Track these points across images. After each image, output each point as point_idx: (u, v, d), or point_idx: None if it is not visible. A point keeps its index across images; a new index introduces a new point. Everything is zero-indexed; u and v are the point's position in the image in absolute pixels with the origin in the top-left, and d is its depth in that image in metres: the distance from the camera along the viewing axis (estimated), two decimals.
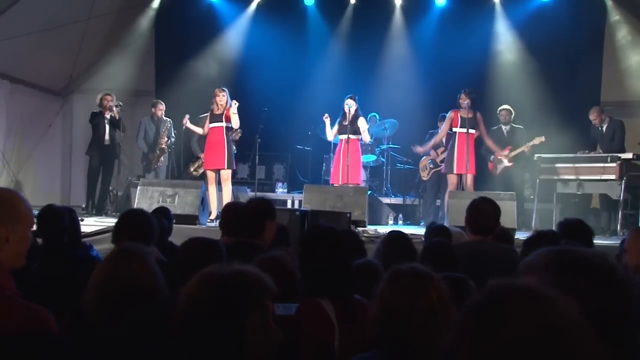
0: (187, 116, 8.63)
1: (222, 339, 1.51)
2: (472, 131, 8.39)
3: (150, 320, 1.94)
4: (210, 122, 8.29)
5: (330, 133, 8.68)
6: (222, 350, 1.52)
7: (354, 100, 8.45)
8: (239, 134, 8.82)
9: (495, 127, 9.07)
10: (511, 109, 9.01)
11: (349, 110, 8.42)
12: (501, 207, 6.69)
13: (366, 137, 8.66)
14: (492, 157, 8.90)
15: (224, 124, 8.20)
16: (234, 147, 8.55)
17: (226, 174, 8.17)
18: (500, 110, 9.03)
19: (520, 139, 8.81)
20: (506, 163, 8.81)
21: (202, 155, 9.23)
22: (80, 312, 1.96)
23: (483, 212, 3.87)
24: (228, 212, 4.16)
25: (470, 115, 8.34)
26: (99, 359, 1.91)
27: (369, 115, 10.00)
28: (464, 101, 8.34)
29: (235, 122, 8.19)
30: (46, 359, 1.50)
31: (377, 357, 2.02)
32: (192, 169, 9.46)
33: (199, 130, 8.63)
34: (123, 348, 1.89)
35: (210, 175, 8.26)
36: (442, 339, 1.77)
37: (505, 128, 9.02)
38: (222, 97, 8.21)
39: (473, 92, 8.39)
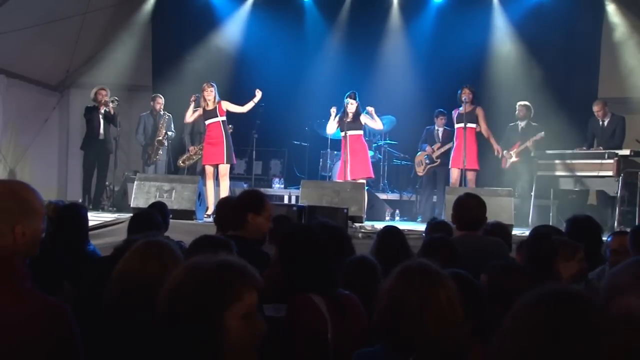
0: (194, 96, 8.48)
1: (205, 328, 1.52)
2: (471, 125, 8.39)
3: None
4: (206, 119, 8.29)
5: (330, 127, 8.65)
6: (205, 339, 1.52)
7: (355, 98, 8.43)
8: (231, 129, 8.83)
9: (512, 124, 9.05)
10: (529, 106, 8.92)
11: (350, 108, 8.41)
12: (498, 203, 6.99)
13: (374, 126, 8.61)
14: (505, 152, 8.88)
15: (219, 118, 8.20)
16: None
17: (224, 169, 8.18)
18: (518, 105, 8.98)
19: (531, 135, 8.81)
20: (514, 158, 8.82)
21: (191, 148, 9.38)
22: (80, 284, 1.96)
23: (468, 208, 3.90)
24: (221, 207, 4.15)
25: (468, 110, 8.33)
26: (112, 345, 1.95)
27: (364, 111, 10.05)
28: (463, 96, 8.35)
29: (238, 108, 8.24)
30: None
31: (382, 352, 2.02)
32: (180, 161, 9.46)
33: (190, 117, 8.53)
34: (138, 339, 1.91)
35: (209, 170, 8.26)
36: (449, 336, 1.79)
37: (520, 124, 8.98)
38: (210, 92, 8.20)
39: (473, 87, 8.43)
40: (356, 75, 10.48)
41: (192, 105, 8.31)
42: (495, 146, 8.79)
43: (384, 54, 11.14)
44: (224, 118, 8.24)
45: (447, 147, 9.20)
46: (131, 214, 5.31)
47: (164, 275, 2.04)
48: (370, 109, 8.46)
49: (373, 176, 8.83)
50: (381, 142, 10.51)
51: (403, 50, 11.07)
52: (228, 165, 8.24)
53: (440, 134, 9.50)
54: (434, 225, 4.52)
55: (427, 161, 9.60)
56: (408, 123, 10.35)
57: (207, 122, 8.28)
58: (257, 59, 10.98)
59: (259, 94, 8.19)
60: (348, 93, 8.49)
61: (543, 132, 8.47)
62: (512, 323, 1.17)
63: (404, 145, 10.57)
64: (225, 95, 8.76)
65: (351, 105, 8.40)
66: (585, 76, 10.08)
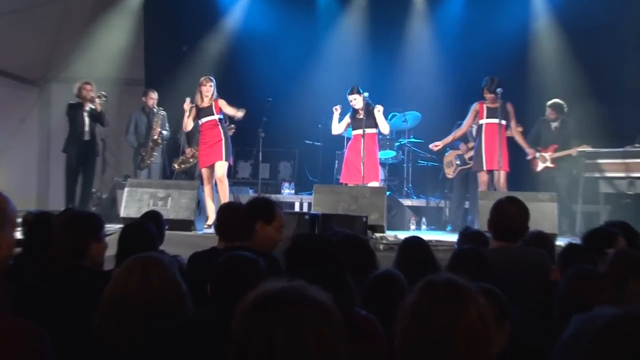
0: (188, 99, 8.55)
1: None
2: (503, 122, 8.37)
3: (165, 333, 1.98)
4: (200, 118, 8.27)
5: (336, 127, 8.67)
6: None
7: (358, 92, 8.42)
8: (233, 129, 8.85)
9: (543, 117, 9.04)
10: (560, 104, 8.92)
11: (357, 104, 8.43)
12: (540, 210, 6.97)
13: (385, 128, 8.61)
14: (537, 153, 8.86)
15: (216, 116, 8.21)
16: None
17: (221, 169, 8.13)
18: (548, 107, 8.95)
19: (570, 135, 8.75)
20: (549, 163, 8.80)
21: (188, 150, 9.42)
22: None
23: (507, 214, 3.84)
24: (223, 213, 4.17)
25: (499, 105, 8.33)
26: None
27: (390, 114, 10.00)
28: (491, 88, 8.32)
29: (233, 112, 8.20)
30: None
31: None
32: (176, 164, 9.50)
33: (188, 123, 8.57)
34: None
35: (207, 174, 8.25)
36: (480, 357, 1.79)
37: (554, 123, 8.96)
38: (209, 88, 8.20)
39: (499, 80, 8.37)
40: (376, 65, 10.49)
41: (187, 112, 8.29)
42: (529, 149, 8.74)
43: (408, 42, 11.17)
44: (222, 116, 8.26)
45: None
46: (121, 225, 5.33)
47: (151, 293, 2.04)
48: (379, 108, 8.44)
49: (380, 181, 8.86)
50: (404, 141, 10.50)
51: (429, 36, 11.09)
52: (226, 164, 8.21)
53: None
54: (467, 235, 4.50)
55: (458, 162, 9.58)
56: (435, 118, 10.36)
57: (202, 121, 8.27)
58: (264, 48, 11.04)
59: (240, 113, 8.16)
60: (349, 89, 8.48)
61: (590, 146, 8.43)
62: (588, 343, 1.22)
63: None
64: (227, 91, 8.80)
65: (356, 101, 8.43)
66: (633, 66, 9.99)
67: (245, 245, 3.56)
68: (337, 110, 8.54)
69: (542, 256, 3.83)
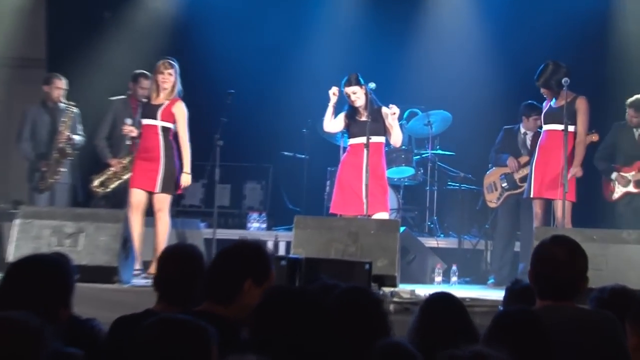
0: (129, 122, 8.59)
1: None
2: (571, 128, 8.40)
3: None
4: (143, 117, 8.47)
5: (330, 123, 8.67)
6: None
7: (358, 84, 8.44)
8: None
9: (621, 123, 9.14)
10: None
11: (357, 100, 8.48)
12: (624, 255, 6.99)
13: (397, 137, 8.62)
14: (614, 174, 8.95)
15: (158, 122, 8.34)
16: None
17: (161, 201, 8.26)
18: (629, 104, 9.04)
19: None
20: (631, 187, 8.89)
21: (113, 162, 9.37)
22: None
23: (551, 261, 3.83)
24: (168, 263, 4.15)
25: (565, 103, 8.38)
26: None
27: (407, 112, 10.13)
28: (548, 79, 8.38)
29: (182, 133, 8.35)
30: None
31: None
32: (95, 183, 9.40)
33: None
34: None
35: (138, 199, 8.33)
36: None
37: (638, 130, 9.06)
38: (169, 77, 8.35)
39: (564, 67, 8.44)
40: (386, 52, 10.69)
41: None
42: (575, 169, 8.58)
43: (433, 15, 11.32)
44: (170, 125, 8.38)
45: None
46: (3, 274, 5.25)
47: None
48: (394, 110, 8.44)
49: (390, 212, 8.90)
50: (426, 153, 10.56)
51: (464, 12, 11.27)
52: (167, 197, 8.34)
53: (529, 141, 9.52)
54: (518, 292, 4.50)
55: (505, 184, 9.61)
56: (471, 123, 10.49)
57: (145, 121, 8.43)
58: (224, 22, 11.14)
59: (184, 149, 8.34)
60: (345, 78, 8.50)
61: None
62: None
63: (465, 157, 10.68)
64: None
65: (356, 96, 8.46)
66: None
67: (202, 311, 3.55)
68: (334, 96, 8.51)
69: (607, 322, 3.80)
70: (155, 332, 2.56)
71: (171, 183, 8.35)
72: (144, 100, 8.58)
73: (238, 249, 3.77)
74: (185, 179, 8.36)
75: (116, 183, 9.44)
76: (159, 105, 8.35)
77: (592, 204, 9.23)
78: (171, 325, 2.58)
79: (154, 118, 8.35)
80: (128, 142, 8.76)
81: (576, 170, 8.46)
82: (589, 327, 3.72)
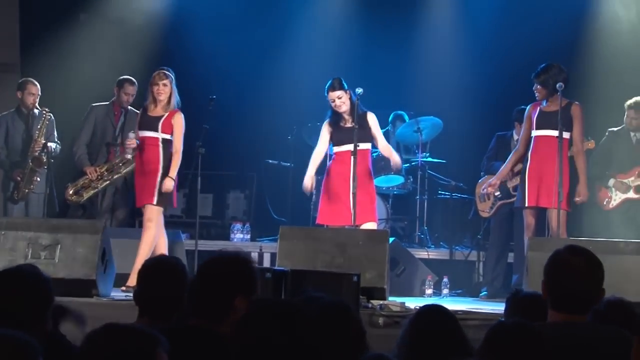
0: (132, 135, 8.58)
1: None
2: (566, 134, 8.38)
3: None
4: (141, 128, 8.51)
5: (316, 159, 8.87)
6: None
7: (342, 88, 8.50)
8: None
9: (616, 129, 9.19)
10: None
11: (342, 106, 8.51)
12: (621, 266, 6.98)
13: (383, 143, 8.74)
14: (611, 180, 8.97)
15: (159, 134, 8.38)
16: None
17: (153, 211, 8.32)
18: (630, 106, 9.05)
19: None
20: (631, 194, 8.88)
21: (89, 170, 9.37)
22: None
23: (571, 272, 3.77)
24: (149, 277, 4.13)
25: (559, 108, 8.30)
26: None
27: (391, 116, 10.25)
28: (544, 79, 8.37)
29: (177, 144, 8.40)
30: None
31: None
32: (70, 192, 9.33)
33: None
34: None
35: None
36: None
37: (635, 135, 9.07)
38: (164, 88, 8.38)
39: (560, 69, 8.47)
40: (374, 54, 10.79)
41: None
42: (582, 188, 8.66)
43: (423, 18, 11.41)
44: (170, 137, 8.41)
45: None
46: None
47: None
48: (370, 116, 8.54)
49: (378, 222, 9.00)
50: (416, 161, 10.59)
51: (455, 16, 11.38)
52: (160, 209, 8.40)
53: (521, 146, 9.31)
54: (520, 302, 4.47)
55: (498, 193, 9.55)
56: (462, 129, 10.58)
57: (143, 134, 8.47)
58: (207, 24, 11.15)
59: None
60: (329, 83, 8.56)
61: None
62: None
63: (456, 165, 10.76)
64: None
65: (341, 101, 8.51)
66: None
67: (193, 326, 3.55)
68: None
69: (616, 336, 3.77)
70: (99, 339, 2.54)
71: (167, 197, 8.40)
72: (131, 108, 8.88)
73: (225, 266, 3.75)
74: (168, 183, 8.32)
75: (91, 192, 9.49)
76: (159, 117, 8.40)
77: (582, 212, 9.29)
78: (116, 333, 2.56)
79: (155, 130, 8.40)
80: (128, 156, 8.78)
81: (583, 194, 8.49)
82: (595, 343, 3.67)
